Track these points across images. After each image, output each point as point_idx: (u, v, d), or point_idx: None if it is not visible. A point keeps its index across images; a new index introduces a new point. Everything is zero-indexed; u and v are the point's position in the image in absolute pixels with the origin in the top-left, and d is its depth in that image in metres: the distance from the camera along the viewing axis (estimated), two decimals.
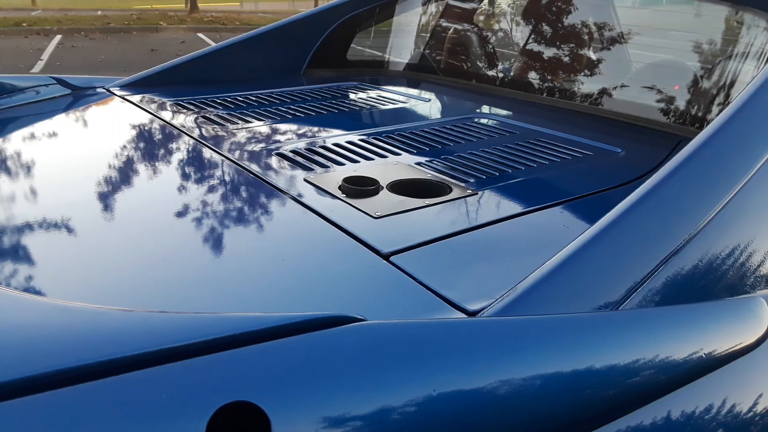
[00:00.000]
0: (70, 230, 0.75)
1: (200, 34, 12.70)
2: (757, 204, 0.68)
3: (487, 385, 0.45)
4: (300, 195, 0.84)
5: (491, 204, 0.84)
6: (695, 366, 0.55)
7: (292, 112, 1.33)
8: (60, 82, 1.51)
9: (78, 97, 1.48)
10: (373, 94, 1.53)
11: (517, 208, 0.82)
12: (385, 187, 0.86)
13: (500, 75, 1.66)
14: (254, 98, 1.45)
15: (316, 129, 1.20)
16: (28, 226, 0.75)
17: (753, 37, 1.13)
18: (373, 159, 0.99)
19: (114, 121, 1.30)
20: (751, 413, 0.59)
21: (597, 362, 0.50)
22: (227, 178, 0.95)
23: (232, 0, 28.49)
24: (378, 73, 1.85)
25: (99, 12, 18.19)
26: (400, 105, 1.43)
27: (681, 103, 1.24)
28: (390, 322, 0.48)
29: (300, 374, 0.41)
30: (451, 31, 1.77)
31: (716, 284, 0.63)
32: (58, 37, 11.64)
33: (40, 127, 1.25)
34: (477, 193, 0.85)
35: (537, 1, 1.64)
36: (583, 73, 1.44)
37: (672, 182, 0.65)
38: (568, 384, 0.48)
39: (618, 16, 1.46)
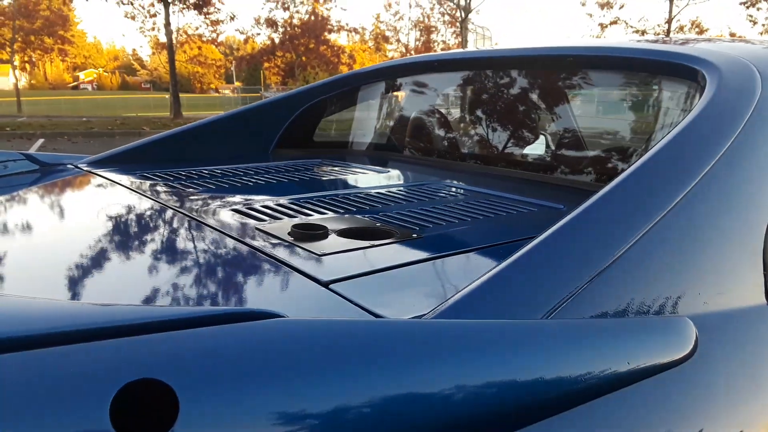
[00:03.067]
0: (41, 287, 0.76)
1: None
2: (684, 231, 0.72)
3: (389, 386, 0.46)
4: (252, 239, 0.86)
5: (431, 245, 0.87)
6: (616, 377, 0.56)
7: (254, 180, 1.37)
8: (29, 158, 1.55)
9: (46, 172, 1.51)
10: (333, 168, 1.59)
11: (456, 247, 0.86)
12: (333, 232, 0.89)
13: (453, 150, 1.75)
14: (218, 171, 1.49)
15: (274, 193, 1.24)
16: None
17: (669, 103, 1.23)
18: (326, 213, 1.03)
19: (82, 194, 1.33)
20: (666, 428, 0.60)
21: (512, 366, 0.51)
22: (183, 230, 0.97)
23: (218, 108, 29.46)
24: (341, 152, 1.93)
25: (84, 118, 18.66)
26: (359, 175, 1.49)
27: (615, 166, 1.32)
28: (306, 319, 0.49)
29: (211, 359, 0.42)
30: (405, 114, 1.87)
31: (644, 304, 0.66)
32: (41, 140, 11.88)
33: (7, 201, 1.28)
34: (421, 237, 0.89)
35: (480, 88, 1.75)
36: (531, 146, 1.52)
37: (600, 206, 0.69)
38: (480, 388, 0.49)
39: (552, 97, 1.57)
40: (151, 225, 1.05)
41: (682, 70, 1.10)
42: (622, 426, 0.57)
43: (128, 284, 0.74)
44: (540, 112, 1.57)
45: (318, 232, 0.87)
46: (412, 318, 0.57)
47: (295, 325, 0.47)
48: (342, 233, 0.89)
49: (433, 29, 29.55)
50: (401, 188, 1.30)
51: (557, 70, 1.47)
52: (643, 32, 20.53)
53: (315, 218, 0.99)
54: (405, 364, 0.47)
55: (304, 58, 25.58)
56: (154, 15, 18.67)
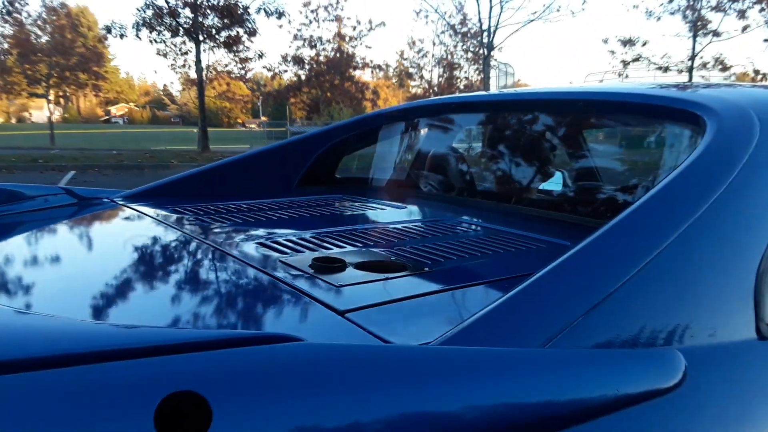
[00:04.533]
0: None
1: None
2: (678, 269, 0.77)
3: (394, 403, 0.51)
4: (275, 270, 0.93)
5: (441, 278, 0.93)
6: (605, 404, 0.61)
7: (278, 215, 1.45)
8: (68, 192, 1.65)
9: (84, 206, 1.61)
10: (353, 203, 1.67)
11: (464, 280, 0.92)
12: (350, 265, 0.95)
13: (466, 188, 1.81)
14: (245, 206, 1.58)
15: (297, 227, 1.31)
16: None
17: (672, 146, 1.29)
18: (344, 248, 1.10)
19: (117, 226, 1.42)
20: None
21: (505, 390, 0.57)
22: (212, 262, 1.04)
23: (244, 142, 29.98)
24: (361, 188, 2.01)
25: (114, 151, 19.14)
26: (377, 210, 1.56)
27: (618, 206, 1.37)
28: (323, 344, 0.56)
29: (240, 376, 0.48)
30: (422, 152, 1.95)
31: (636, 336, 0.71)
32: (72, 172, 12.21)
33: (48, 232, 1.37)
34: (432, 271, 0.95)
35: (493, 129, 1.83)
36: (541, 185, 1.58)
37: (600, 243, 0.75)
38: (474, 408, 0.55)
39: (563, 139, 1.64)
40: (183, 256, 1.13)
41: (685, 115, 1.16)
42: None
43: (164, 309, 0.81)
44: (549, 153, 1.63)
45: (336, 265, 0.93)
46: (419, 344, 0.63)
47: (314, 348, 0.54)
48: (358, 266, 0.95)
49: (456, 66, 29.94)
50: (417, 224, 1.36)
51: (568, 114, 1.53)
52: (666, 69, 20.53)
53: (334, 252, 1.06)
54: (410, 384, 0.53)
55: (329, 93, 26.03)
56: (186, 53, 19.23)
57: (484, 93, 1.94)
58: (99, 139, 33.40)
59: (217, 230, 1.27)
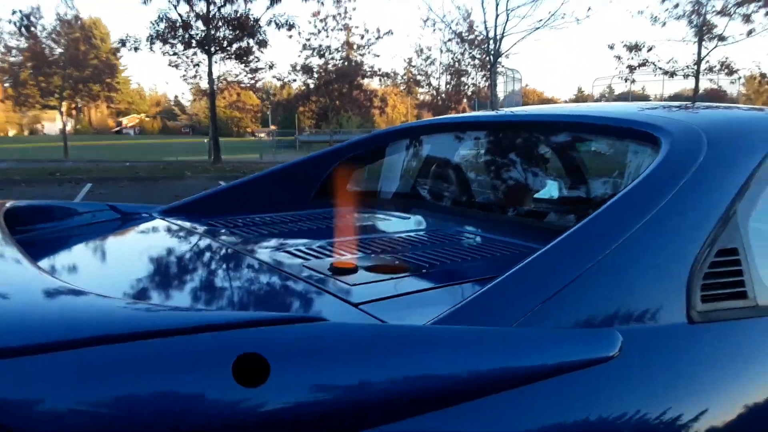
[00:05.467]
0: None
1: (221, 182, 13.56)
2: (625, 265, 0.96)
3: (395, 365, 0.72)
4: (301, 273, 1.15)
5: (435, 277, 1.14)
6: (557, 366, 0.81)
7: (299, 227, 1.67)
8: (113, 208, 1.87)
9: (126, 220, 1.83)
10: (363, 215, 1.88)
11: (453, 279, 1.13)
12: (362, 268, 1.16)
13: (463, 200, 2.03)
14: (269, 219, 1.79)
15: (316, 237, 1.53)
16: None
17: (632, 162, 1.49)
18: (356, 254, 1.31)
19: (158, 236, 1.64)
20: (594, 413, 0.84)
21: (474, 355, 0.77)
22: (249, 267, 1.26)
23: (254, 152, 30.28)
24: (370, 200, 2.22)
25: (127, 163, 19.49)
26: (384, 221, 1.77)
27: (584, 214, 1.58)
28: (341, 323, 0.77)
29: (284, 343, 0.69)
30: (424, 168, 2.17)
31: (585, 318, 0.91)
32: (89, 185, 12.52)
33: (98, 243, 1.59)
34: (428, 272, 1.16)
35: (484, 146, 2.04)
36: (524, 197, 1.79)
37: (562, 245, 0.96)
38: (450, 365, 0.75)
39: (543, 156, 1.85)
40: (220, 262, 1.35)
41: (645, 135, 1.36)
42: (559, 405, 0.81)
43: (226, 300, 1.02)
44: (529, 168, 1.84)
45: (350, 268, 1.15)
46: (413, 324, 0.84)
47: (335, 326, 0.75)
48: (369, 269, 1.16)
49: (464, 73, 30.15)
50: (419, 233, 1.58)
51: (550, 134, 1.74)
52: (673, 74, 20.65)
53: (348, 257, 1.27)
54: (403, 352, 0.74)
55: (337, 102, 26.29)
56: (197, 64, 19.57)
57: (472, 114, 2.17)
58: (111, 150, 33.82)
59: (248, 240, 1.49)
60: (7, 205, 1.49)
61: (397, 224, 1.75)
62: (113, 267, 1.30)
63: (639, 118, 1.43)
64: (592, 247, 0.97)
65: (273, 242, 1.46)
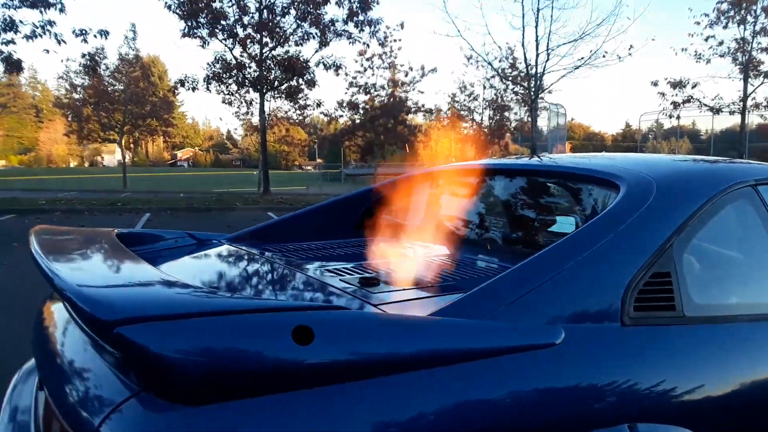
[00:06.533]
0: None
1: (270, 213, 14.18)
2: (576, 278, 1.31)
3: (399, 343, 1.11)
4: (338, 284, 1.55)
5: (436, 289, 1.52)
6: (510, 347, 1.17)
7: (338, 252, 2.07)
8: (190, 236, 2.32)
9: (202, 245, 2.27)
10: (391, 243, 2.27)
11: (450, 291, 1.50)
12: (382, 282, 1.56)
13: (470, 232, 2.41)
14: (314, 246, 2.21)
15: (351, 260, 1.92)
16: None
17: (598, 202, 1.85)
18: (380, 271, 1.70)
19: (230, 257, 2.07)
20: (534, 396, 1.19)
21: (450, 337, 1.15)
22: (295, 277, 1.67)
23: (300, 184, 31.08)
24: (399, 232, 2.62)
25: (182, 194, 20.41)
26: (407, 249, 2.16)
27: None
28: (360, 311, 1.16)
29: (323, 321, 1.07)
30: (442, 205, 2.57)
31: (539, 316, 1.26)
32: (147, 214, 13.30)
33: (186, 259, 2.03)
34: (431, 286, 1.54)
35: (488, 188, 2.42)
36: (523, 230, 2.16)
37: (531, 264, 1.32)
38: (433, 342, 1.13)
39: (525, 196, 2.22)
40: (277, 275, 1.76)
41: (608, 182, 1.72)
42: (517, 374, 1.16)
43: (282, 297, 1.42)
44: (513, 206, 2.22)
45: (373, 281, 1.54)
46: (408, 315, 1.22)
47: (354, 313, 1.14)
48: (387, 282, 1.55)
49: (507, 108, 30.47)
50: (428, 257, 1.96)
51: (530, 177, 2.14)
52: (718, 110, 20.53)
53: (374, 275, 1.66)
54: (403, 334, 1.12)
55: (382, 137, 26.90)
56: (250, 102, 20.51)
57: (480, 162, 2.57)
58: (166, 181, 35.23)
59: (298, 261, 1.90)
60: (115, 231, 1.94)
61: (415, 251, 2.14)
62: (202, 276, 1.73)
63: (606, 169, 1.79)
64: (549, 266, 1.33)
65: (318, 263, 1.87)
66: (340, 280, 1.61)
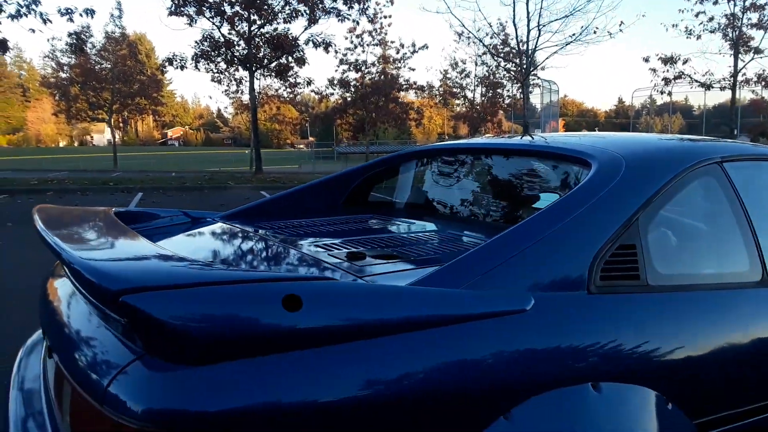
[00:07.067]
0: None
1: (263, 192, 14.23)
2: (547, 250, 1.41)
3: (378, 307, 1.21)
4: (328, 258, 1.64)
5: (416, 261, 1.62)
6: (485, 313, 1.27)
7: (327, 228, 2.17)
8: (185, 214, 2.41)
9: (197, 222, 2.36)
10: (378, 219, 2.37)
11: (429, 264, 1.60)
12: (369, 256, 1.65)
13: (449, 207, 2.51)
14: (304, 223, 2.30)
15: (340, 236, 2.02)
16: None
17: (570, 178, 1.95)
18: (366, 246, 1.80)
19: (224, 233, 2.16)
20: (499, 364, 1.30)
21: (426, 302, 1.25)
22: (287, 252, 1.76)
23: (293, 163, 31.02)
24: (386, 208, 2.72)
25: (173, 173, 20.38)
26: (393, 225, 2.26)
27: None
28: (344, 281, 1.25)
29: (313, 291, 1.17)
30: (426, 182, 2.66)
31: (512, 284, 1.36)
32: (140, 194, 13.32)
33: (181, 236, 2.11)
34: (414, 259, 1.64)
35: (467, 167, 2.52)
36: (502, 206, 2.26)
37: (507, 236, 1.42)
38: (416, 312, 1.23)
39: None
40: (270, 250, 1.86)
41: (579, 159, 1.82)
42: (491, 337, 1.26)
43: (274, 269, 1.51)
44: (492, 184, 2.32)
45: (360, 255, 1.64)
46: (395, 285, 1.32)
47: (339, 283, 1.24)
48: (372, 256, 1.65)
49: (499, 85, 30.45)
50: (412, 232, 2.06)
51: (509, 156, 2.23)
52: (709, 86, 20.63)
53: (361, 249, 1.76)
54: (385, 302, 1.21)
55: (374, 114, 26.85)
56: (240, 80, 20.40)
57: (460, 141, 2.66)
58: (157, 161, 35.08)
59: (290, 237, 1.99)
60: (113, 210, 2.03)
61: (401, 227, 2.24)
62: (198, 250, 1.82)
63: (578, 147, 1.89)
64: (521, 239, 1.43)
65: (308, 239, 1.97)
66: (329, 254, 1.70)
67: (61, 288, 1.54)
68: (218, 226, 2.25)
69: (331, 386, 1.10)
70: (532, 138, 2.37)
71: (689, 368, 1.48)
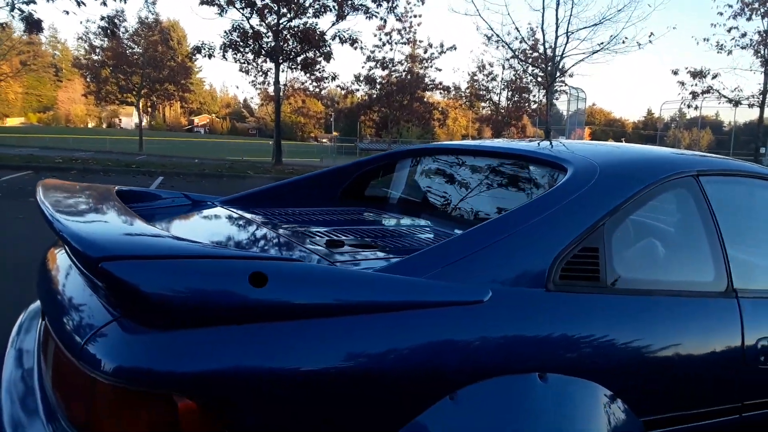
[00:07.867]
0: None
1: None
2: (515, 246, 1.49)
3: (349, 291, 1.30)
4: (309, 245, 1.74)
5: (395, 251, 1.71)
6: (443, 301, 1.36)
7: (319, 218, 2.27)
8: (186, 196, 2.52)
9: (196, 205, 2.47)
10: (370, 213, 2.46)
11: (406, 252, 1.68)
12: (347, 244, 1.75)
13: (441, 204, 2.59)
14: (299, 211, 2.40)
15: (329, 226, 2.12)
16: None
17: (547, 181, 2.03)
18: (348, 236, 1.90)
19: (218, 216, 2.28)
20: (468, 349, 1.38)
21: (392, 289, 1.34)
22: (271, 236, 1.87)
23: (314, 156, 31.20)
24: (379, 203, 2.81)
25: (196, 160, 20.67)
26: (383, 218, 2.35)
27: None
28: (310, 264, 1.35)
29: (280, 270, 1.27)
30: (418, 179, 2.75)
31: (473, 277, 1.44)
32: (161, 178, 13.56)
33: (179, 218, 2.23)
34: (392, 249, 1.73)
35: (456, 166, 2.60)
36: (483, 205, 2.35)
37: (477, 231, 1.51)
38: (383, 299, 1.32)
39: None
40: (255, 234, 1.96)
41: (556, 164, 1.90)
42: (448, 324, 1.35)
43: (252, 249, 1.62)
44: (477, 183, 2.41)
45: (338, 243, 1.73)
46: (365, 270, 1.41)
47: (305, 265, 1.34)
48: (351, 245, 1.75)
49: (525, 90, 30.35)
50: (401, 225, 2.15)
51: (494, 159, 2.32)
52: (737, 102, 20.36)
53: (342, 238, 1.86)
54: (351, 286, 1.31)
55: (398, 113, 26.92)
56: (266, 72, 20.61)
57: (453, 143, 2.76)
58: (182, 146, 35.51)
59: (279, 223, 2.10)
60: (115, 188, 2.15)
61: (389, 220, 2.33)
62: (186, 230, 1.93)
63: (557, 153, 1.97)
64: (486, 236, 1.51)
65: (296, 226, 2.07)
66: (310, 241, 1.80)
67: (57, 258, 1.66)
68: (215, 210, 2.36)
69: (289, 357, 1.19)
70: (517, 143, 2.45)
71: (640, 368, 1.54)
